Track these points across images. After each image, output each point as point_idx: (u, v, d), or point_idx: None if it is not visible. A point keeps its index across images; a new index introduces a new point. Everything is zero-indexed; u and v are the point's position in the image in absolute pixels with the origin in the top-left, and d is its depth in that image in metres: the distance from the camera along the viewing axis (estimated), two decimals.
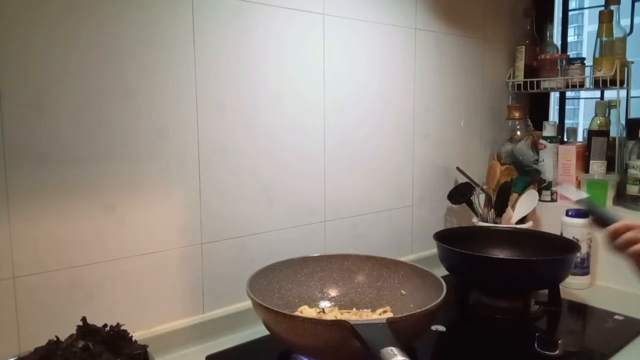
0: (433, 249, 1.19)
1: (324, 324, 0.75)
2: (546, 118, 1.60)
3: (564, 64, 1.44)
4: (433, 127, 1.36)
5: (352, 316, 0.93)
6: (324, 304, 0.97)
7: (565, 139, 1.48)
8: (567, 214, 1.24)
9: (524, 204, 1.32)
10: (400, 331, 0.68)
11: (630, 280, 1.23)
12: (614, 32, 1.33)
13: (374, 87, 1.20)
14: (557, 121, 1.56)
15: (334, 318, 0.88)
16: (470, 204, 1.35)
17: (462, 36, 1.40)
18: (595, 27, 1.38)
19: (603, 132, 1.38)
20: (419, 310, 0.76)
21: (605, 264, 1.27)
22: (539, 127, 1.48)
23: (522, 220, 1.32)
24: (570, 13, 1.64)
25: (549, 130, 1.43)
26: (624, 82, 1.33)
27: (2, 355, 0.74)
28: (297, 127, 1.06)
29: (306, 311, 0.92)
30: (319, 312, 0.93)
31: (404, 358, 0.61)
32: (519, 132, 1.47)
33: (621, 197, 1.33)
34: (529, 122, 1.51)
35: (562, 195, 1.27)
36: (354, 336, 0.68)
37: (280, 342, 0.81)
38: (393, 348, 0.63)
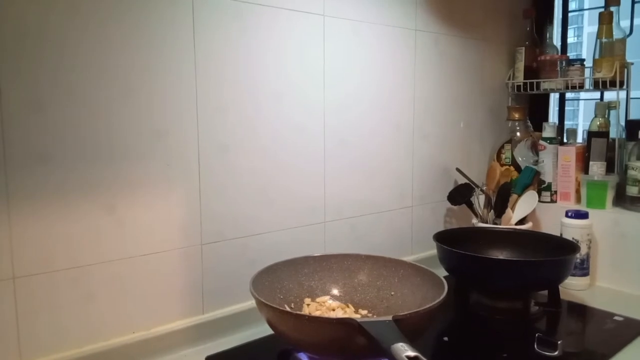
0: (433, 250, 1.19)
1: (330, 323, 0.75)
2: (546, 119, 1.61)
3: (564, 65, 1.44)
4: (433, 127, 1.36)
5: (353, 314, 0.93)
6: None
7: (565, 140, 1.48)
8: (566, 215, 1.25)
9: (524, 205, 1.32)
10: (405, 329, 0.68)
11: (630, 281, 1.24)
12: (614, 33, 1.33)
13: (374, 87, 1.20)
14: (557, 122, 1.57)
15: (341, 315, 0.89)
16: (470, 205, 1.35)
17: (462, 37, 1.40)
18: (595, 28, 1.38)
19: (603, 133, 1.38)
20: (423, 308, 0.76)
21: (605, 265, 1.27)
22: (538, 128, 1.48)
23: (522, 221, 1.32)
24: (570, 14, 1.64)
25: (548, 132, 1.43)
26: (624, 83, 1.33)
27: (3, 355, 0.74)
28: (297, 127, 1.06)
29: (312, 306, 0.93)
30: (324, 303, 0.93)
31: (415, 353, 0.61)
32: (518, 133, 1.47)
33: (621, 198, 1.33)
34: (529, 123, 1.51)
35: None
36: (361, 334, 0.68)
37: (285, 340, 0.81)
38: (403, 344, 0.63)
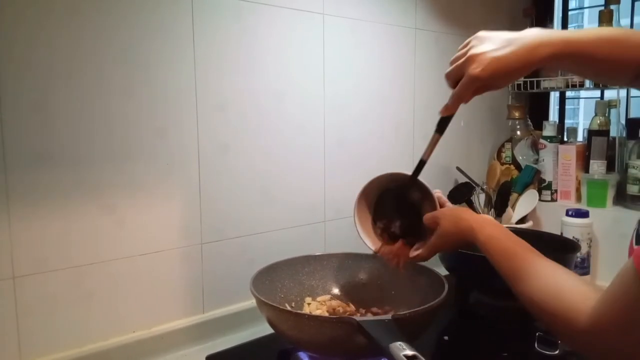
0: None
1: (330, 322, 0.75)
2: (546, 118, 1.61)
3: None
4: (433, 126, 1.35)
5: (354, 313, 0.93)
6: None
7: (565, 139, 1.48)
8: (567, 214, 1.24)
9: (524, 203, 1.32)
10: (404, 328, 0.68)
11: None
12: None
13: (374, 86, 1.20)
14: (557, 121, 1.56)
15: (340, 314, 0.89)
16: (471, 204, 1.35)
17: (462, 36, 1.39)
18: (595, 26, 1.38)
19: (603, 132, 1.38)
20: (422, 307, 0.76)
21: (606, 263, 1.27)
22: (539, 126, 1.48)
23: (522, 220, 1.32)
24: (570, 13, 1.64)
25: (549, 130, 1.43)
26: None
27: (3, 355, 0.74)
28: (297, 126, 1.06)
29: (313, 305, 0.93)
30: (325, 301, 0.94)
31: (413, 352, 0.61)
32: (519, 132, 1.47)
33: (621, 197, 1.33)
34: (529, 122, 1.51)
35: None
36: (360, 333, 0.68)
37: (285, 339, 0.81)
38: (401, 343, 0.63)
